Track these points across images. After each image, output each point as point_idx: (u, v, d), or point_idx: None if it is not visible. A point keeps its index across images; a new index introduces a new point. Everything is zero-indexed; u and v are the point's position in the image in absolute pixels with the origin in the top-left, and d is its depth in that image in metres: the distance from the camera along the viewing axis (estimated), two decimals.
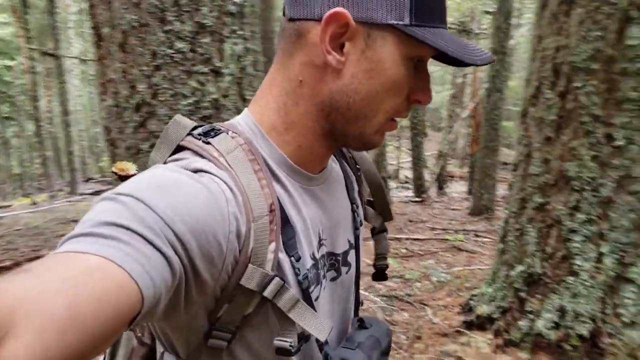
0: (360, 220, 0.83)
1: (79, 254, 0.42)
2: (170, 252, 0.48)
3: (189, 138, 0.62)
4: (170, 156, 0.62)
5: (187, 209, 0.51)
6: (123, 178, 0.66)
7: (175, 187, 0.53)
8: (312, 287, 0.68)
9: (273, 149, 0.66)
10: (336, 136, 0.67)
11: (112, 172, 0.69)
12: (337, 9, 0.57)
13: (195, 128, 0.64)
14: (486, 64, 0.63)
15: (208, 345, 0.61)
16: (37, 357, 0.33)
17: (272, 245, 0.60)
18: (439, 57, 0.64)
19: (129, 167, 0.70)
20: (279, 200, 0.63)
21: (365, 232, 0.86)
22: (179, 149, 0.63)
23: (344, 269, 0.78)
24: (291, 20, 0.62)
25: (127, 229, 0.46)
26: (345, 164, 0.83)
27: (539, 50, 2.87)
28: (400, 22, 0.57)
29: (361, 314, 0.86)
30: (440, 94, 19.30)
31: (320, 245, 0.72)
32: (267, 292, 0.59)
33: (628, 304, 2.41)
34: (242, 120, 0.68)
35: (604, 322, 2.45)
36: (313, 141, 0.67)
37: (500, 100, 7.35)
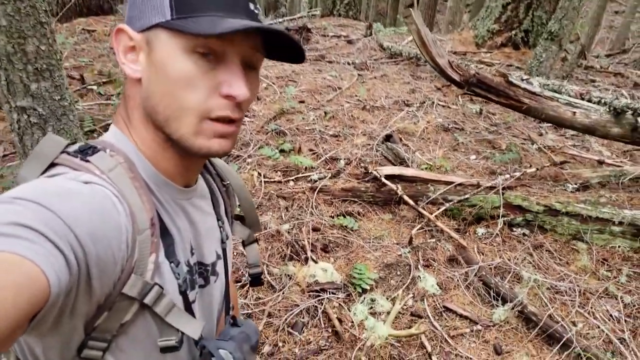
0: (227, 234, 0.88)
1: None
2: (70, 256, 0.50)
3: (65, 156, 0.63)
4: (42, 174, 0.61)
5: (86, 215, 0.53)
6: None
7: (72, 195, 0.54)
8: (189, 291, 0.72)
9: (145, 164, 0.69)
10: (172, 144, 0.68)
11: None
12: (119, 25, 0.65)
13: (69, 145, 0.65)
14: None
15: (82, 357, 0.62)
16: None
17: (153, 257, 0.64)
18: (270, 55, 0.70)
19: None
20: (157, 213, 0.67)
21: None
22: (51, 166, 0.62)
23: (212, 278, 0.83)
24: None
25: (32, 229, 0.48)
26: (211, 180, 0.87)
27: None
28: (163, 20, 0.61)
29: None
30: None
31: (192, 254, 0.76)
32: (148, 299, 0.64)
33: None
34: (114, 138, 0.69)
35: None
36: (160, 151, 0.69)
37: None
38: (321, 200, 3.66)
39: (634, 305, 2.71)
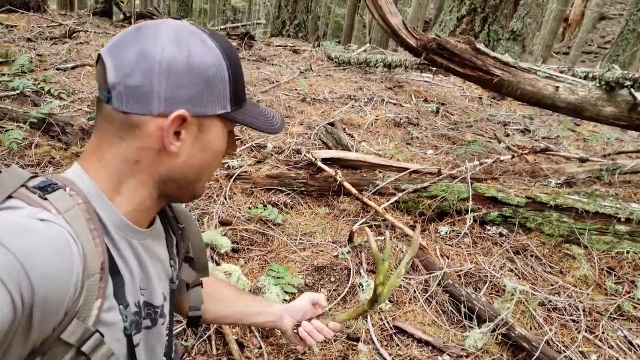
0: (177, 275, 0.89)
1: None
2: (17, 299, 0.49)
3: (23, 190, 0.62)
4: None
5: (42, 255, 0.53)
6: None
7: (29, 232, 0.54)
8: (134, 334, 0.72)
9: (110, 208, 0.69)
10: (170, 197, 0.77)
11: None
12: (181, 111, 0.65)
13: (30, 179, 0.64)
14: (278, 133, 0.79)
15: None
16: None
17: (98, 302, 0.63)
18: None
19: None
20: (109, 253, 0.66)
21: None
22: (7, 199, 0.62)
23: (160, 320, 0.82)
24: (123, 112, 0.65)
25: None
26: (167, 221, 0.88)
27: None
28: (225, 111, 0.70)
29: None
30: None
31: (141, 294, 0.76)
32: (86, 347, 0.62)
33: None
34: (77, 177, 0.69)
35: None
36: (149, 204, 0.73)
37: None
38: (238, 189, 2.76)
39: None
